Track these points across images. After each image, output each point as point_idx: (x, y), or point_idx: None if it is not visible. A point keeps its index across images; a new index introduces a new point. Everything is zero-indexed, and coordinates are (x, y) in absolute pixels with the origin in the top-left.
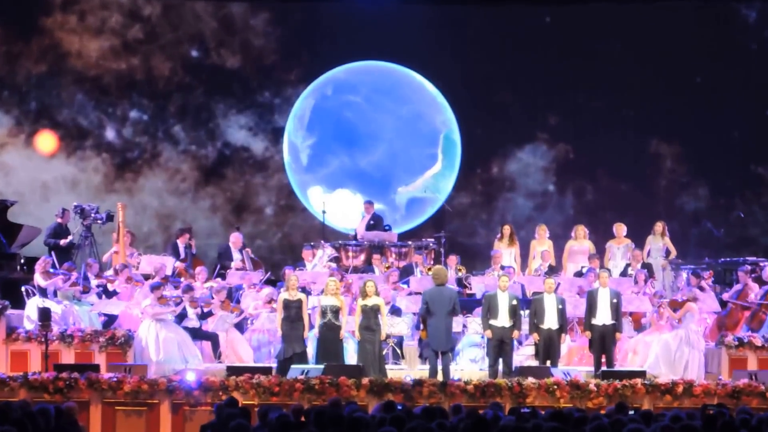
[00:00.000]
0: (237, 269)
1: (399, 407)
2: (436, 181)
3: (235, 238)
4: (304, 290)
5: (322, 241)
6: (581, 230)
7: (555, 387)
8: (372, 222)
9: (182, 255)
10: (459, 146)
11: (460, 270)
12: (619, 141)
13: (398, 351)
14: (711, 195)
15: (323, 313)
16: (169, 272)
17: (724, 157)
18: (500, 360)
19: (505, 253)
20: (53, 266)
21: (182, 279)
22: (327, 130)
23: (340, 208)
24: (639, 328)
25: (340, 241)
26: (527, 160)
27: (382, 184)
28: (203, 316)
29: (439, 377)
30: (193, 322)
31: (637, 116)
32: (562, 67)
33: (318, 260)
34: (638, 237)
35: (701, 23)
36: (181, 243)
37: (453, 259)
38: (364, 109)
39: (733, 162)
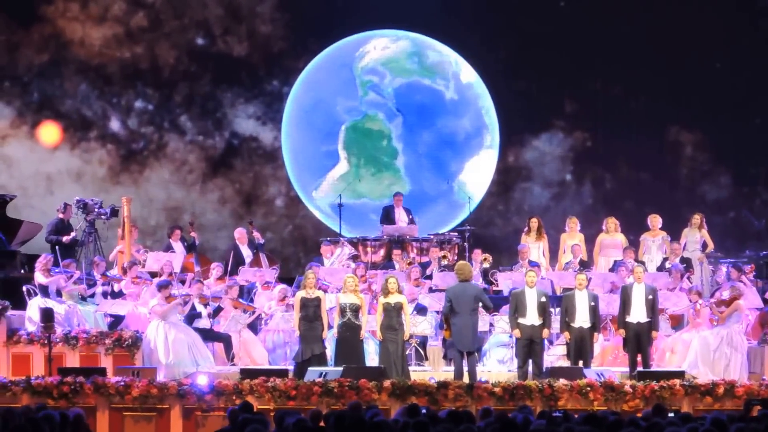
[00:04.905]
0: (250, 266)
1: (423, 411)
2: (348, 184)
3: (239, 234)
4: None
5: (342, 238)
6: (612, 222)
7: (588, 389)
8: (411, 216)
9: (179, 253)
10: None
11: (485, 260)
12: (638, 128)
13: (421, 351)
14: (734, 183)
15: (342, 312)
16: (177, 269)
17: (746, 144)
18: (530, 360)
19: (533, 247)
20: (54, 264)
21: (190, 275)
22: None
23: None
24: (676, 325)
25: (358, 236)
26: (544, 148)
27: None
28: (214, 313)
29: (465, 379)
30: (204, 322)
31: (655, 103)
32: (578, 52)
33: (336, 258)
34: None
35: (721, 7)
36: (174, 241)
37: (478, 254)
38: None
39: (756, 149)
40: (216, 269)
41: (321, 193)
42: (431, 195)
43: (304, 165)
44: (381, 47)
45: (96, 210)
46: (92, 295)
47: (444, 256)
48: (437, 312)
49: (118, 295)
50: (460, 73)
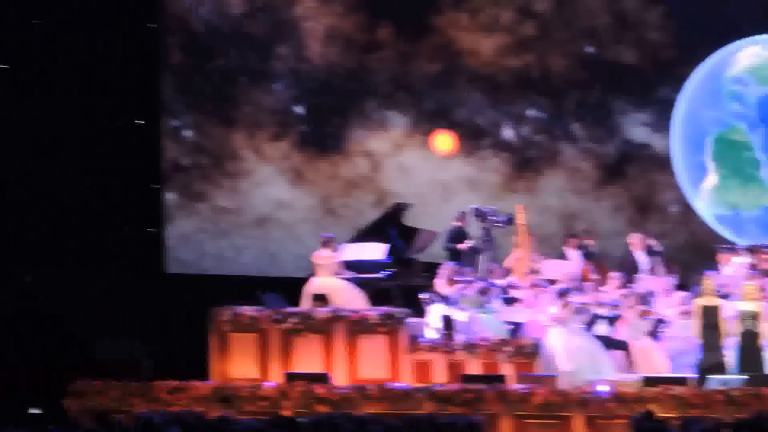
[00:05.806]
0: (648, 273)
1: None
2: (720, 195)
3: (634, 240)
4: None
5: (738, 246)
6: None
7: None
8: None
9: (575, 261)
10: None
11: None
12: None
13: None
14: None
15: (742, 320)
16: (574, 277)
17: None
18: None
19: None
20: (457, 272)
21: (588, 283)
22: None
23: None
24: None
25: (753, 243)
26: None
27: None
28: (613, 321)
29: None
30: (603, 330)
31: None
32: None
33: (734, 266)
34: None
35: None
36: (569, 249)
37: None
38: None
39: None
40: (615, 278)
41: (700, 203)
42: None
43: (684, 174)
44: (752, 54)
45: (492, 218)
46: (490, 303)
47: None
48: None
49: (515, 302)
50: None
